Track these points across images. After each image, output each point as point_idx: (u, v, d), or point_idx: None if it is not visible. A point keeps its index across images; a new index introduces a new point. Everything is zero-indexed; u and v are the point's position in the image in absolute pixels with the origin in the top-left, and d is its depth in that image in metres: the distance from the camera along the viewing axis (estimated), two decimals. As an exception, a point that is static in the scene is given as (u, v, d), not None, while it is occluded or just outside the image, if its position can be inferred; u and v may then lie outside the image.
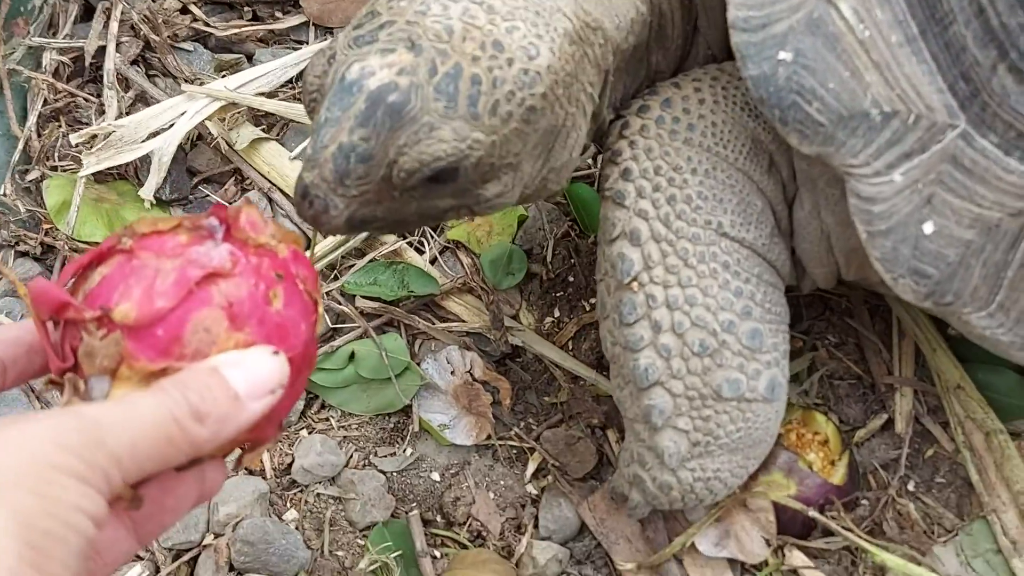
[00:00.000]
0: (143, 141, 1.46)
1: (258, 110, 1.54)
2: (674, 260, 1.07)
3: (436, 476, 1.33)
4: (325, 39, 1.68)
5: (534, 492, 1.33)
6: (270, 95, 1.57)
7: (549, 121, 0.95)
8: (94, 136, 1.44)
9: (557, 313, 1.46)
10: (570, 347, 1.43)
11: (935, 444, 1.38)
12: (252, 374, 0.68)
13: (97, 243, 1.43)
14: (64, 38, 1.59)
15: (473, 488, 1.31)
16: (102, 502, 0.58)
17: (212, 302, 0.69)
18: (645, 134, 1.09)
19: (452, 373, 1.39)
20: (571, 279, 1.47)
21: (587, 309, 1.45)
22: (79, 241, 1.42)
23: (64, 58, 1.55)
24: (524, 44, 0.90)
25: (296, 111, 1.53)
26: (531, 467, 1.34)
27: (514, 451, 1.35)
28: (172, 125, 1.47)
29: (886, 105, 0.94)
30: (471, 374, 1.38)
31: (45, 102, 1.51)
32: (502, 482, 1.33)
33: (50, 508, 0.55)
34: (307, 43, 1.69)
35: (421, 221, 0.96)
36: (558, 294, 1.47)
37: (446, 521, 1.30)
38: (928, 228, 0.97)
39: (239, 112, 1.52)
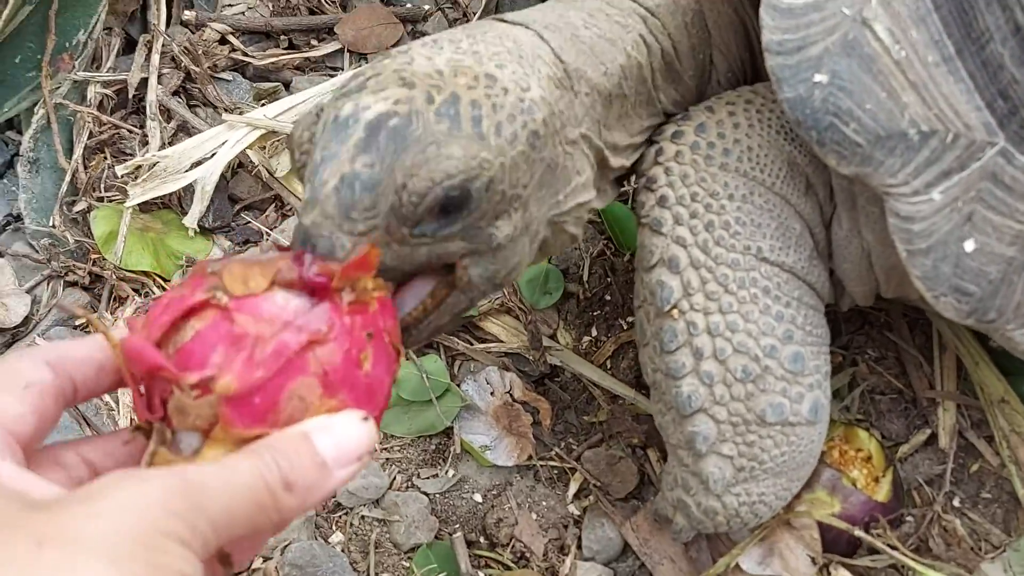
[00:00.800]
0: (186, 171, 1.49)
1: (296, 137, 1.56)
2: (714, 287, 1.07)
3: (478, 497, 1.34)
4: (360, 65, 1.71)
5: (576, 512, 1.33)
6: (308, 122, 1.59)
7: (551, 154, 0.92)
8: (139, 167, 1.47)
9: (595, 332, 1.46)
10: (608, 366, 1.44)
11: (980, 459, 1.36)
12: (341, 441, 0.68)
13: (144, 272, 1.47)
14: (108, 71, 1.62)
15: (515, 509, 1.32)
16: (200, 566, 0.58)
17: (308, 370, 0.69)
18: (680, 160, 1.09)
19: (492, 394, 1.40)
20: (608, 297, 1.48)
21: (624, 328, 1.45)
22: (126, 270, 1.45)
23: (108, 91, 1.59)
24: (515, 78, 0.89)
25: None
26: (573, 487, 1.34)
27: (555, 471, 1.36)
28: (214, 154, 1.50)
29: (924, 124, 0.94)
30: (511, 395, 1.40)
31: (90, 134, 1.55)
32: (544, 503, 1.33)
33: None
34: (343, 69, 1.72)
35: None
36: (595, 313, 1.47)
37: (489, 542, 1.31)
38: (969, 246, 0.97)
39: (278, 140, 1.55)
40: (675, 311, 1.08)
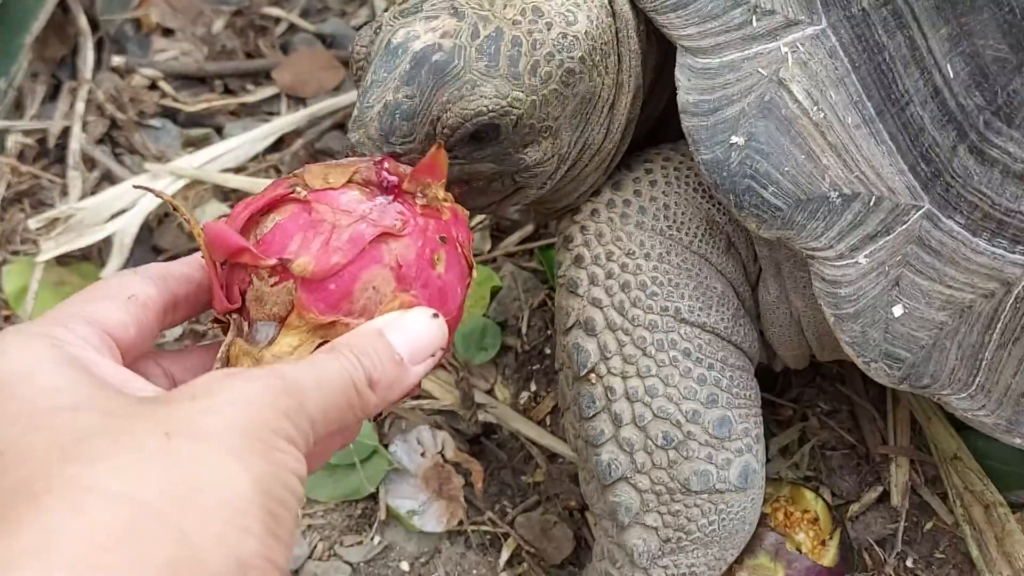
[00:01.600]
0: (105, 222, 1.44)
1: (224, 186, 1.51)
2: (632, 349, 1.02)
3: (405, 566, 1.27)
4: (297, 110, 1.66)
5: (509, 581, 1.27)
6: (238, 169, 1.55)
7: (587, 87, 0.97)
8: (55, 219, 1.42)
9: (534, 387, 1.41)
10: (548, 423, 1.38)
11: (934, 517, 1.31)
12: (415, 338, 0.70)
13: (59, 330, 1.41)
14: (31, 119, 1.57)
15: (445, 578, 1.26)
16: (304, 464, 0.60)
17: (382, 261, 0.71)
18: (596, 218, 1.05)
19: (423, 455, 1.34)
20: (547, 351, 1.43)
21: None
22: (41, 329, 1.39)
23: (29, 140, 1.54)
24: (562, 11, 0.93)
25: (262, 186, 1.50)
26: (505, 554, 1.28)
27: (487, 537, 1.30)
28: (135, 205, 1.45)
29: (846, 187, 0.89)
30: (443, 455, 1.34)
31: (8, 185, 1.49)
32: (475, 571, 1.27)
33: (279, 475, 0.57)
34: (279, 114, 1.67)
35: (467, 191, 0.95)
36: (534, 367, 1.42)
37: (417, 614, 1.25)
38: (898, 311, 0.92)
39: (204, 189, 1.49)
40: (592, 375, 1.04)
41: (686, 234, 1.04)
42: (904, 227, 0.90)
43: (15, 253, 1.45)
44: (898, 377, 0.96)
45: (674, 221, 1.04)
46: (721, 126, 0.90)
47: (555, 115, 0.95)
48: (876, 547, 1.29)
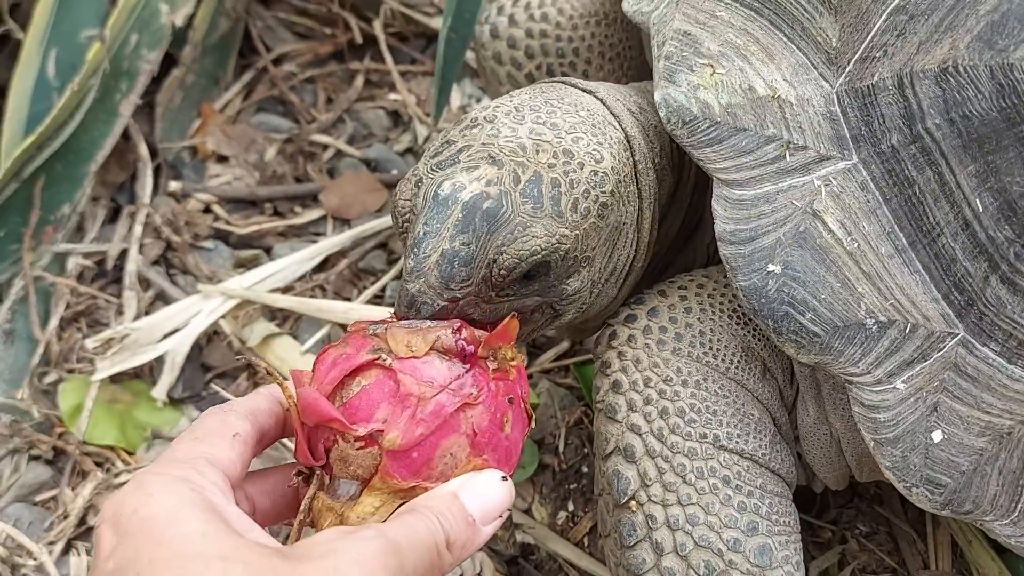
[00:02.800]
0: (158, 342, 1.49)
1: (272, 306, 1.56)
2: (672, 477, 1.03)
3: None
4: (343, 231, 1.72)
5: None
6: (286, 289, 1.60)
7: (616, 217, 1.03)
8: (110, 339, 1.47)
9: (571, 507, 1.41)
10: (585, 544, 1.38)
11: (979, 646, 1.28)
12: (486, 500, 0.78)
13: (109, 446, 1.44)
14: (91, 241, 1.65)
15: None
16: None
17: (460, 429, 0.78)
18: (633, 344, 1.08)
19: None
20: (585, 469, 1.43)
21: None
22: (90, 444, 1.43)
23: (88, 261, 1.61)
24: (589, 151, 0.99)
25: (309, 306, 1.55)
26: None
27: (527, 662, 1.29)
28: (187, 324, 1.50)
29: (881, 315, 0.92)
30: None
31: (67, 305, 1.55)
32: None
33: None
34: (325, 235, 1.73)
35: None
36: (571, 486, 1.43)
37: None
38: (937, 436, 0.93)
39: (254, 308, 1.54)
40: (633, 503, 1.04)
41: (722, 360, 1.07)
42: (940, 353, 0.92)
43: (71, 371, 1.50)
44: (940, 503, 0.96)
45: (710, 348, 1.07)
46: (758, 255, 0.93)
47: (592, 245, 1.01)
48: (922, 677, 1.26)
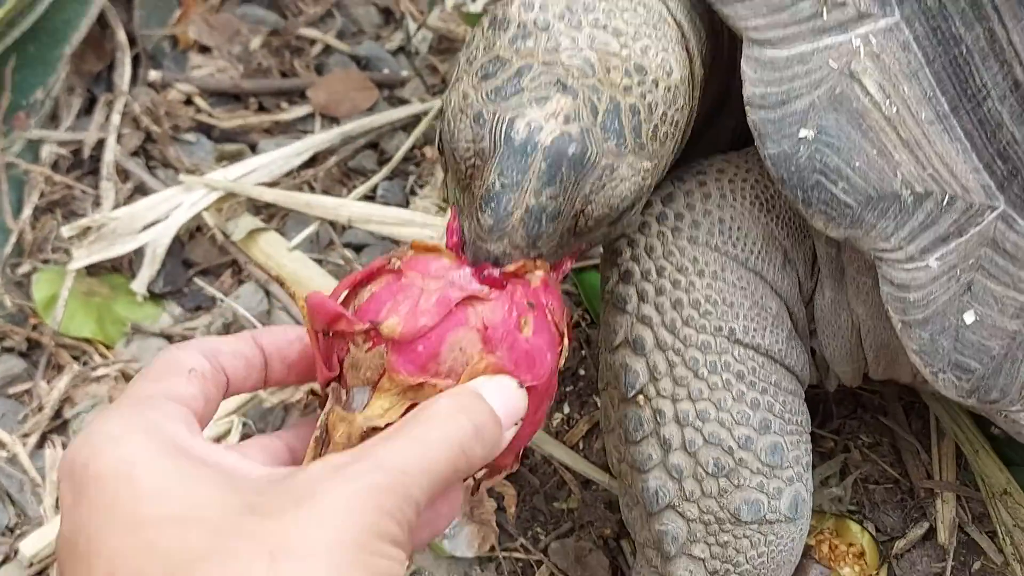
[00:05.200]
0: (138, 233, 1.41)
1: (257, 200, 1.49)
2: (683, 371, 0.98)
3: (435, 591, 1.22)
4: (331, 128, 1.65)
5: (543, 610, 1.21)
6: (271, 185, 1.52)
7: (682, 128, 0.94)
8: (88, 228, 1.39)
9: (567, 409, 1.37)
10: (581, 447, 1.34)
11: (982, 556, 1.26)
12: (505, 402, 0.71)
13: (86, 339, 1.38)
14: (66, 130, 1.56)
15: (476, 605, 1.21)
16: (405, 562, 0.61)
17: (468, 323, 0.73)
18: (646, 232, 1.01)
19: (455, 477, 1.29)
20: (582, 372, 1.39)
21: (599, 406, 1.36)
22: (66, 337, 1.36)
23: (63, 150, 1.52)
24: (659, 62, 0.88)
25: (297, 200, 1.48)
26: (539, 582, 1.23)
27: (519, 564, 1.25)
28: (168, 216, 1.43)
29: (918, 185, 0.87)
30: (474, 478, 1.29)
31: (41, 194, 1.47)
32: (507, 598, 1.22)
33: None
34: (312, 133, 1.65)
35: None
36: (568, 388, 1.38)
37: (445, 642, 1.19)
38: (969, 318, 0.88)
39: (238, 202, 1.47)
40: (641, 397, 0.99)
41: (742, 250, 1.00)
42: (978, 228, 0.87)
43: (46, 262, 1.42)
44: (967, 390, 0.92)
45: (730, 236, 1.01)
46: (789, 119, 0.88)
47: (663, 166, 0.93)
48: (924, 586, 1.24)
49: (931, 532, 1.27)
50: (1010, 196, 0.87)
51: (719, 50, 1.06)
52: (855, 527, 1.22)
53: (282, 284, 0.81)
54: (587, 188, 0.83)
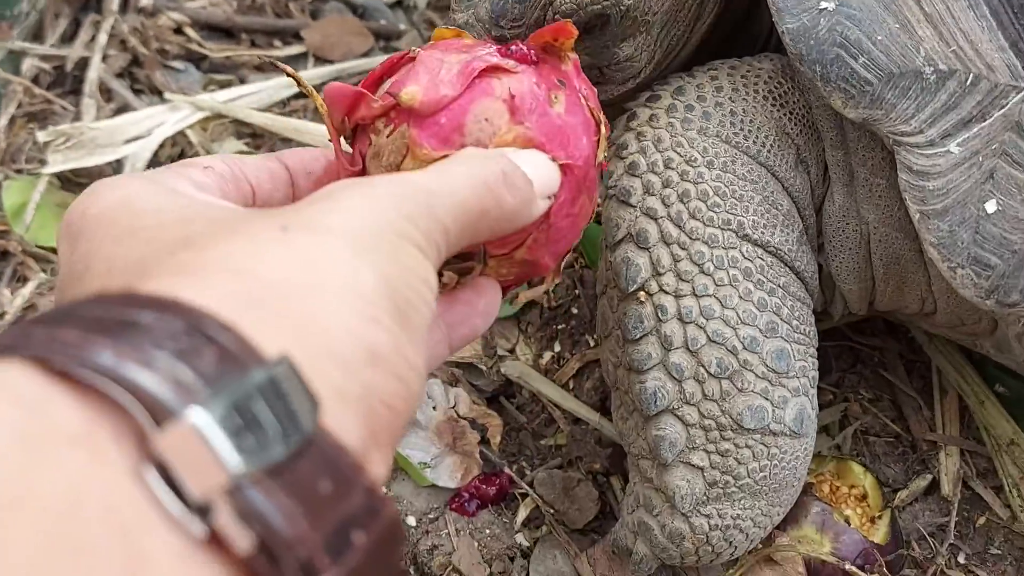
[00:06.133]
0: (119, 147, 1.35)
1: (243, 126, 1.44)
2: (687, 265, 0.92)
3: (412, 521, 1.15)
4: (324, 66, 1.60)
5: (525, 543, 1.15)
6: (260, 112, 1.47)
7: None
8: (67, 137, 1.33)
9: (558, 347, 1.31)
10: (571, 386, 1.28)
11: (987, 511, 1.20)
12: (536, 170, 0.65)
13: (53, 248, 1.31)
14: (50, 47, 1.50)
15: (454, 536, 1.14)
16: (435, 277, 0.55)
17: (494, 94, 0.67)
18: (654, 124, 0.96)
19: (434, 408, 1.23)
20: (575, 311, 1.33)
21: (591, 344, 1.30)
22: (36, 247, 1.30)
23: (46, 65, 1.47)
24: None
25: (286, 125, 1.43)
26: (522, 514, 1.16)
27: (503, 496, 1.18)
28: (151, 133, 1.37)
29: (942, 63, 0.82)
30: (456, 411, 1.23)
31: (19, 105, 1.41)
32: (488, 530, 1.15)
33: (407, 278, 0.52)
34: (304, 70, 1.61)
35: None
36: (559, 327, 1.32)
37: (419, 573, 1.12)
38: (991, 207, 0.84)
39: (223, 125, 1.42)
40: (642, 293, 0.93)
41: (753, 142, 0.96)
42: (1002, 111, 0.83)
43: (19, 172, 1.36)
44: (986, 288, 0.87)
45: (741, 128, 0.96)
46: (809, -10, 0.83)
47: (655, 10, 0.93)
48: (928, 539, 1.18)
49: (934, 485, 1.22)
50: (1038, 76, 0.83)
51: None
52: (858, 468, 1.16)
53: (298, 82, 0.74)
54: None
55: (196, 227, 0.52)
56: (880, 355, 1.35)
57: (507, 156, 0.63)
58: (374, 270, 0.49)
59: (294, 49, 1.64)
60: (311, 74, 1.56)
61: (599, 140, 0.72)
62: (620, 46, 0.93)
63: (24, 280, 1.28)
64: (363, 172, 0.69)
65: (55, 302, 0.58)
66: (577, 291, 1.35)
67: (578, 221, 0.71)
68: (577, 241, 0.74)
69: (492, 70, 0.68)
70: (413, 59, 0.70)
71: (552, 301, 1.33)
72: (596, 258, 1.33)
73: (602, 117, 0.72)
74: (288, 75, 0.72)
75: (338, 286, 0.48)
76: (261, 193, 0.68)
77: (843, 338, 1.35)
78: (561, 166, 0.67)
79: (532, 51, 0.70)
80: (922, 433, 1.26)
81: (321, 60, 1.64)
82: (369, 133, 0.68)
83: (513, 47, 0.70)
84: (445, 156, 0.65)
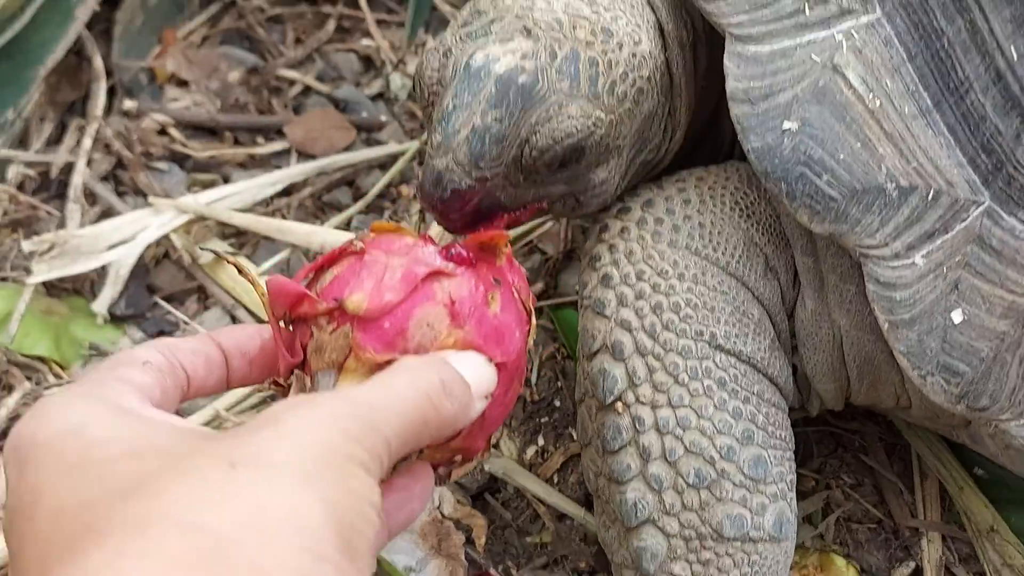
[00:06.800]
0: (103, 252, 1.37)
1: (228, 227, 1.46)
2: (663, 377, 0.95)
3: (400, 626, 1.15)
4: (307, 162, 1.63)
5: (514, 646, 1.15)
6: (243, 212, 1.50)
7: (650, 106, 0.98)
8: (51, 245, 1.35)
9: (541, 441, 1.32)
10: (555, 480, 1.29)
11: (970, 598, 1.21)
12: (474, 372, 0.68)
13: (40, 358, 1.32)
14: (35, 153, 1.53)
15: (443, 641, 1.13)
16: (379, 492, 0.56)
17: (435, 298, 0.71)
18: (626, 237, 0.99)
19: (423, 508, 1.23)
20: (557, 403, 1.34)
21: (574, 438, 1.31)
22: (20, 354, 1.30)
23: (31, 171, 1.49)
24: (629, 31, 0.94)
25: (269, 226, 1.45)
26: (510, 616, 1.16)
27: (491, 598, 1.18)
28: (135, 237, 1.39)
29: (903, 179, 0.86)
30: (440, 511, 1.23)
31: (5, 213, 1.43)
32: (476, 634, 1.15)
33: (354, 503, 0.53)
34: (288, 167, 1.64)
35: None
36: (543, 420, 1.33)
37: None
38: (957, 317, 0.86)
39: (207, 226, 1.44)
40: (619, 404, 0.96)
41: (723, 254, 0.99)
42: (963, 224, 0.86)
43: (3, 279, 1.37)
44: (956, 395, 0.89)
45: (710, 240, 0.99)
46: (773, 112, 0.87)
47: (624, 134, 0.95)
48: (912, 629, 1.19)
49: (917, 572, 1.22)
50: (995, 191, 0.86)
51: (714, 61, 1.08)
52: (840, 561, 1.18)
53: (240, 271, 0.76)
54: (533, 118, 0.87)
55: (147, 464, 0.54)
56: (860, 438, 1.36)
57: (447, 364, 0.67)
58: (322, 502, 0.51)
59: (277, 145, 1.67)
60: (295, 171, 1.59)
61: (530, 329, 0.77)
62: (595, 171, 0.95)
63: (9, 389, 1.29)
64: (303, 363, 0.71)
65: (3, 528, 0.59)
66: (559, 383, 1.36)
67: (510, 406, 0.76)
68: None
69: (433, 274, 0.72)
70: (355, 253, 0.74)
71: (535, 395, 1.35)
72: (576, 348, 1.35)
73: (531, 306, 0.77)
74: (232, 265, 0.76)
75: (286, 528, 0.50)
76: (195, 379, 0.71)
77: (823, 423, 1.37)
78: (496, 364, 0.71)
79: (470, 252, 0.75)
80: (904, 519, 1.27)
81: (304, 155, 1.67)
82: (310, 325, 0.71)
83: (452, 249, 0.74)
84: (388, 360, 0.68)
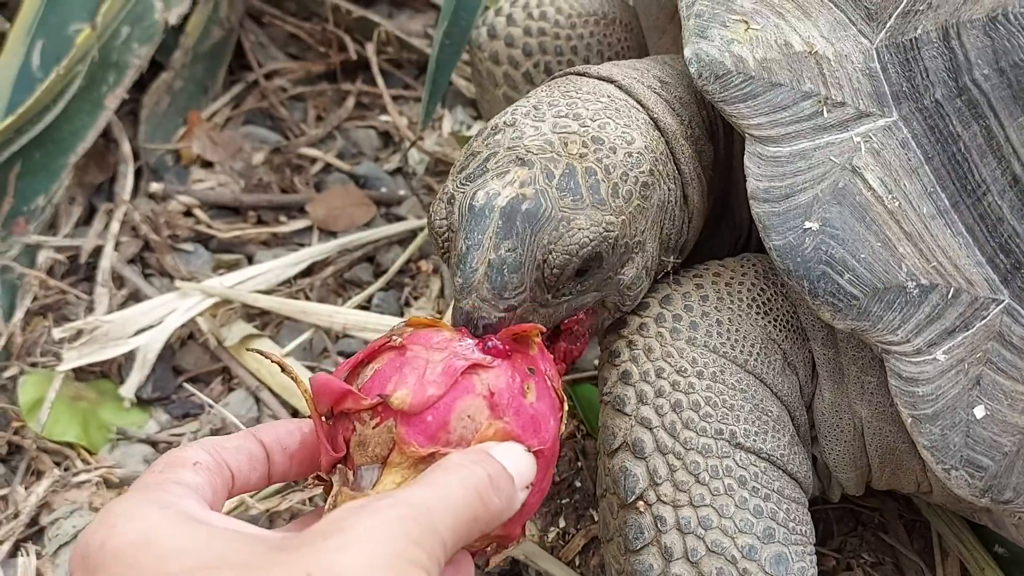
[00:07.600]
0: (130, 337, 1.39)
1: (252, 308, 1.48)
2: (683, 476, 0.96)
3: None
4: (328, 241, 1.66)
5: None
6: (267, 293, 1.52)
7: (660, 195, 1.00)
8: (79, 331, 1.37)
9: (563, 523, 1.32)
10: (577, 563, 1.29)
11: None
12: (516, 463, 0.71)
13: (69, 444, 1.34)
14: (64, 237, 1.56)
15: None
16: None
17: (475, 390, 0.74)
18: (644, 333, 1.01)
19: (448, 592, 1.23)
20: (578, 484, 1.35)
21: (596, 519, 1.32)
22: (49, 441, 1.32)
23: (60, 256, 1.52)
24: (619, 134, 0.97)
25: (292, 307, 1.47)
26: None
27: None
28: (162, 321, 1.41)
29: (923, 278, 0.88)
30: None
31: (35, 298, 1.46)
32: None
33: None
34: (310, 245, 1.67)
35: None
36: (563, 501, 1.34)
37: None
38: (979, 412, 0.88)
39: (232, 309, 1.46)
40: (641, 503, 0.96)
41: (741, 352, 1.00)
42: (984, 322, 0.88)
43: (34, 365, 1.39)
44: (980, 488, 0.90)
45: (728, 338, 1.01)
46: (794, 212, 0.89)
47: (641, 229, 0.97)
48: None
49: (942, 654, 1.22)
50: (1014, 289, 0.88)
51: (717, 156, 1.11)
52: (866, 647, 1.17)
53: (283, 368, 0.78)
54: (545, 239, 0.89)
55: None
56: (880, 516, 1.37)
57: (492, 458, 0.70)
58: None
59: (299, 223, 1.71)
60: (316, 250, 1.62)
61: (563, 416, 0.80)
62: (622, 272, 0.97)
63: (39, 475, 1.30)
64: (346, 458, 0.74)
65: None
66: (580, 463, 1.37)
67: (545, 491, 0.79)
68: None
69: (472, 367, 0.75)
70: (394, 348, 0.76)
71: (556, 476, 1.35)
72: (596, 425, 1.36)
73: (563, 394, 0.81)
74: (276, 363, 0.79)
75: None
76: (240, 477, 0.74)
77: (843, 501, 1.37)
78: (534, 452, 0.74)
79: (505, 344, 0.78)
80: (927, 599, 1.27)
81: (325, 233, 1.70)
82: (353, 420, 0.74)
83: (488, 342, 0.78)
84: (432, 452, 0.71)
